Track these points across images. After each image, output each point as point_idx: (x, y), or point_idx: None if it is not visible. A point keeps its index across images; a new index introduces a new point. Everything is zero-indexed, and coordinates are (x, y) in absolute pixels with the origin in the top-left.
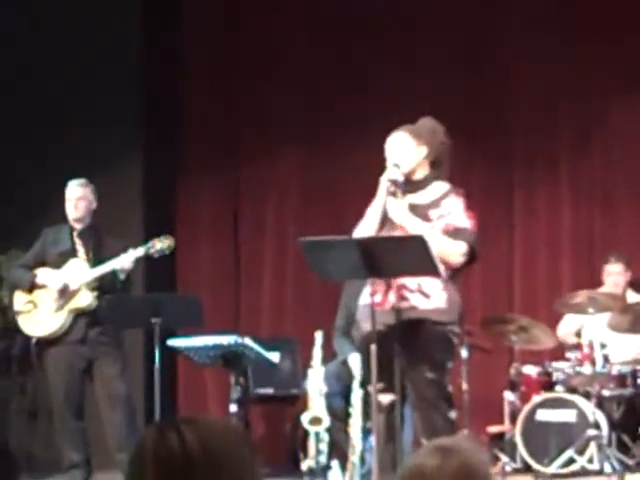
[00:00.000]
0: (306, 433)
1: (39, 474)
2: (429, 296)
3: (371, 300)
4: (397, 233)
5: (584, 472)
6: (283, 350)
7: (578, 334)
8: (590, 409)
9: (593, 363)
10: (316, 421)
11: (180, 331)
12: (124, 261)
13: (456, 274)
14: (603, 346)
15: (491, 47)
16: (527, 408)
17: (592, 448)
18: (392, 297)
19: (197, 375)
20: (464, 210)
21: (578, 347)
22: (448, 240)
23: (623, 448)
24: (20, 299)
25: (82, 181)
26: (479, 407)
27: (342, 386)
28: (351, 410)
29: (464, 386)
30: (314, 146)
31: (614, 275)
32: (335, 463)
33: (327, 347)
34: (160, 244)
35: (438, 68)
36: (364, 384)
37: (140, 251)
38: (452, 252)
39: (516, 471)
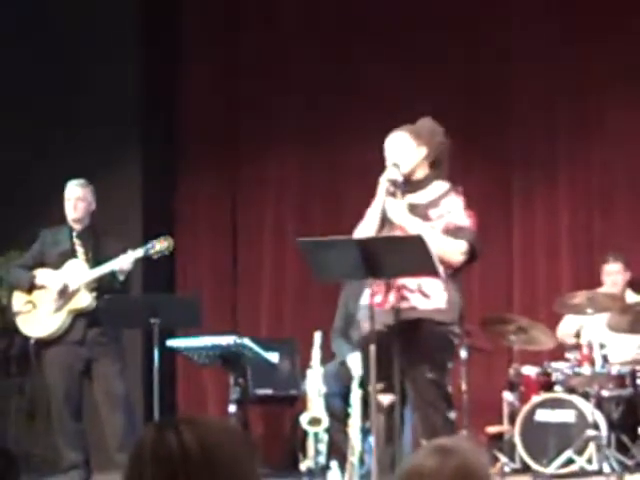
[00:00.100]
0: (305, 433)
1: (38, 475)
2: (429, 296)
3: (370, 300)
4: (396, 233)
5: (583, 472)
6: (282, 350)
7: (577, 335)
8: (589, 409)
9: (592, 363)
10: (315, 421)
11: (179, 331)
12: (123, 262)
13: (456, 273)
14: (602, 346)
15: (491, 47)
16: (526, 408)
17: (591, 448)
18: (392, 297)
19: (196, 375)
20: (464, 209)
21: (577, 347)
22: (448, 239)
23: (622, 448)
24: (19, 299)
25: (81, 181)
26: (478, 407)
27: (341, 386)
28: (350, 410)
29: (463, 386)
30: (313, 146)
31: (613, 274)
32: (334, 463)
33: (326, 347)
34: (160, 245)
35: (438, 68)
36: (364, 384)
37: (139, 252)
38: (452, 251)
39: (515, 471)
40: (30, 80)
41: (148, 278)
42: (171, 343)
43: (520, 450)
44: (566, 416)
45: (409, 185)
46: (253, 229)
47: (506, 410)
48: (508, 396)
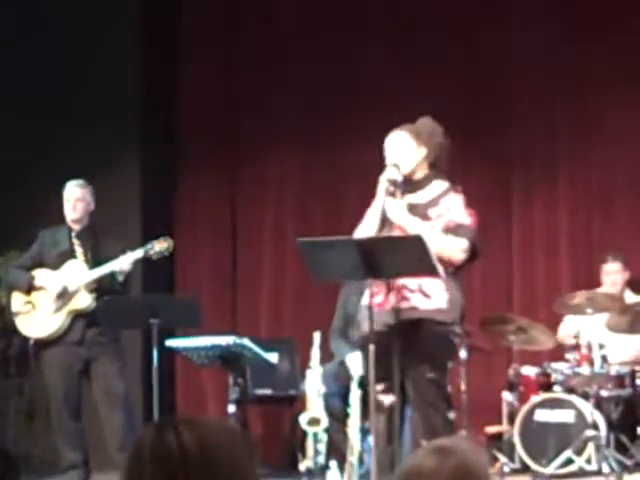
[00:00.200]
0: (304, 433)
1: (37, 475)
2: (430, 296)
3: (370, 300)
4: (396, 233)
5: (582, 472)
6: (281, 351)
7: (577, 335)
8: (588, 409)
9: (591, 364)
10: (314, 421)
11: (178, 332)
12: (123, 263)
13: (458, 271)
14: (601, 347)
15: (491, 47)
16: (525, 408)
17: (590, 448)
18: (393, 298)
19: (195, 375)
20: (464, 207)
21: (576, 348)
22: (448, 238)
23: (621, 448)
24: (18, 300)
25: (80, 182)
26: (477, 407)
27: (340, 386)
28: (349, 410)
29: (462, 386)
30: (313, 146)
31: (612, 274)
32: (333, 463)
33: (325, 347)
34: (159, 246)
35: (438, 68)
36: (364, 384)
37: (139, 253)
38: (453, 249)
39: (514, 471)
40: (30, 80)
41: (148, 279)
42: (170, 343)
43: (519, 450)
44: (565, 416)
45: (409, 185)
46: (253, 229)
47: (505, 410)
48: (507, 396)
